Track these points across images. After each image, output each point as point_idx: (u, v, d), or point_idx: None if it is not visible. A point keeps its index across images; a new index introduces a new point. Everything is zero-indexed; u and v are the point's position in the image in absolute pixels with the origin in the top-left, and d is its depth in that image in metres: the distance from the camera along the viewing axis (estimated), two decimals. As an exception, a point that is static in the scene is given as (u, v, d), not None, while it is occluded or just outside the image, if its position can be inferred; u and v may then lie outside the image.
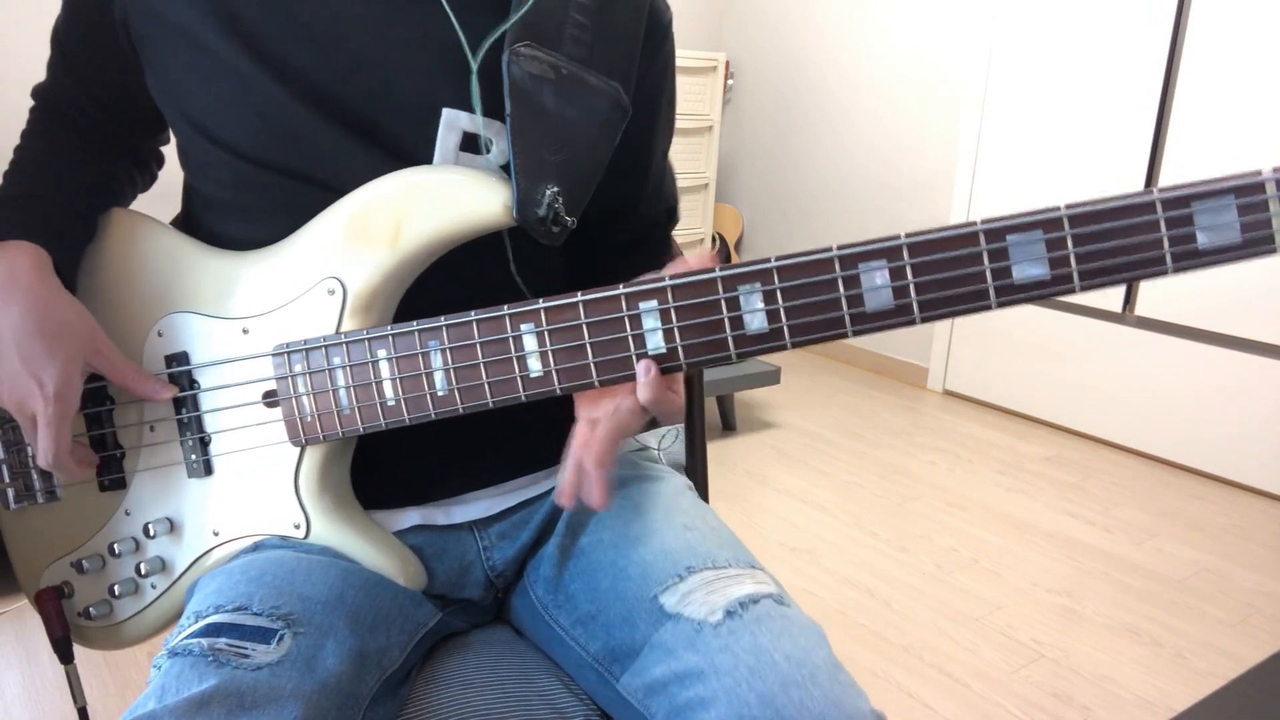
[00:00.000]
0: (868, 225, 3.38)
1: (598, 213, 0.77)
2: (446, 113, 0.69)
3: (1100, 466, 2.58)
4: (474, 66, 0.68)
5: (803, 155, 3.59)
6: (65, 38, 0.75)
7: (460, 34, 0.68)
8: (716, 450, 2.58)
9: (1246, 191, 0.51)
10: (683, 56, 3.21)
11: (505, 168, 0.71)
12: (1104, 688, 1.58)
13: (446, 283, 0.71)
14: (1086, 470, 2.55)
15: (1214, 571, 2.02)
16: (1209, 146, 2.40)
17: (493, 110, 0.70)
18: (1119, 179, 2.59)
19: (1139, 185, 2.55)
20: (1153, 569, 2.01)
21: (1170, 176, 2.49)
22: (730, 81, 3.75)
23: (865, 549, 2.05)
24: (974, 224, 0.54)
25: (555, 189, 0.67)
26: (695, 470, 0.97)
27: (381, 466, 0.74)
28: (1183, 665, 1.66)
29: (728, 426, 2.76)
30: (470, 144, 0.70)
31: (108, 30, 0.71)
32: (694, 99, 3.33)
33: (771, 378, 2.67)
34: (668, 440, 0.93)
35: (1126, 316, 2.66)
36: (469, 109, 0.69)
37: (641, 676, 0.65)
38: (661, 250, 0.86)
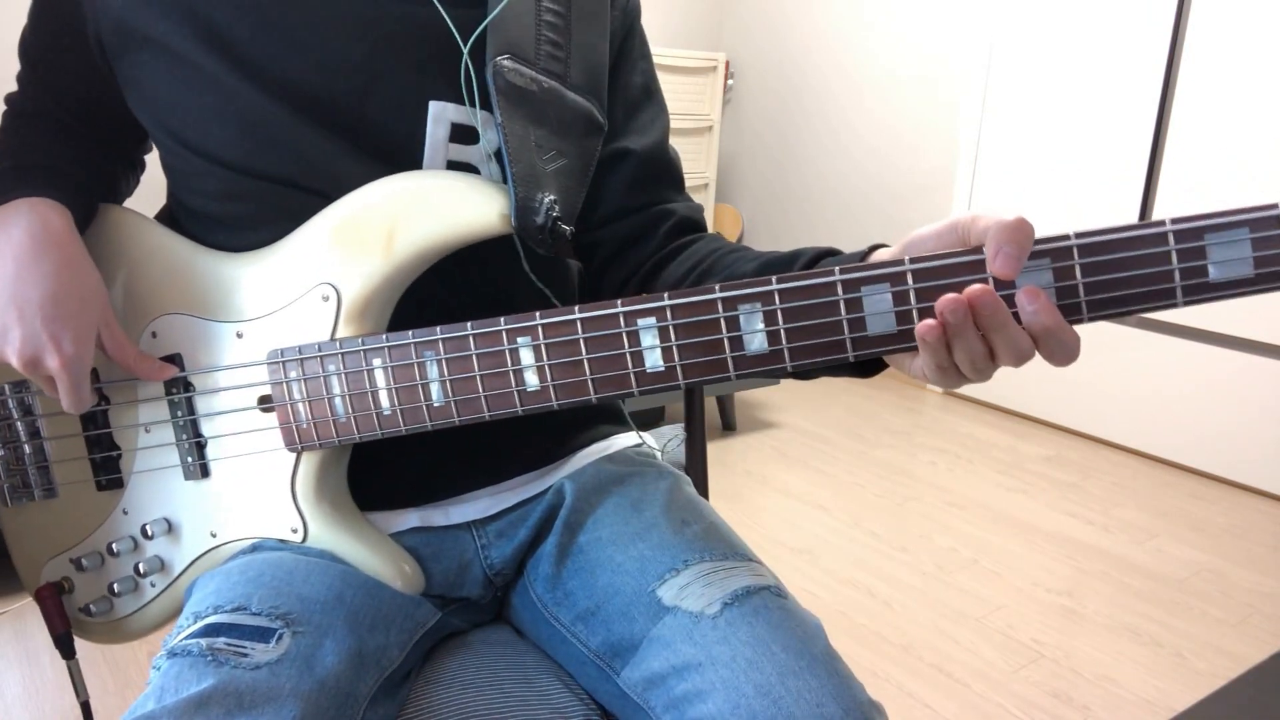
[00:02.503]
0: (868, 225, 3.38)
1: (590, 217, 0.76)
2: (434, 105, 0.69)
3: (1100, 466, 2.58)
4: (465, 51, 0.68)
5: (803, 155, 3.59)
6: (33, 50, 0.74)
7: (449, 21, 0.68)
8: (716, 450, 2.58)
9: (1261, 225, 0.49)
10: (683, 56, 3.21)
11: (496, 155, 0.71)
12: (1104, 688, 1.58)
13: (449, 291, 0.71)
14: (1086, 470, 2.55)
15: (1214, 571, 2.01)
16: (1209, 147, 2.40)
17: (479, 100, 0.70)
18: (1120, 179, 2.59)
19: (1139, 185, 2.55)
20: (1153, 569, 2.01)
21: (1171, 177, 2.49)
22: (730, 81, 3.75)
23: (865, 549, 2.05)
24: (980, 251, 0.52)
25: (552, 197, 0.67)
26: (695, 470, 0.97)
27: (380, 467, 0.74)
28: (1183, 665, 1.66)
29: (728, 426, 2.76)
30: (459, 136, 0.70)
31: (79, 46, 0.71)
32: (694, 99, 3.33)
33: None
34: (672, 445, 0.93)
35: (1126, 317, 2.65)
36: (455, 100, 0.69)
37: (641, 670, 0.65)
38: (714, 240, 0.78)
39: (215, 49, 0.66)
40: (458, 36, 0.68)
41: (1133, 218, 2.58)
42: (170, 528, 0.73)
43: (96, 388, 0.72)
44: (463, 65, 0.68)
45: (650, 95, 0.82)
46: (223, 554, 0.72)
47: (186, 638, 0.60)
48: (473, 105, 0.70)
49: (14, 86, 0.77)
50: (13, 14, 0.83)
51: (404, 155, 0.69)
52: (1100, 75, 2.60)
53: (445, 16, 0.68)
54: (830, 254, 0.64)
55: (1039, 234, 0.51)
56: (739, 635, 0.62)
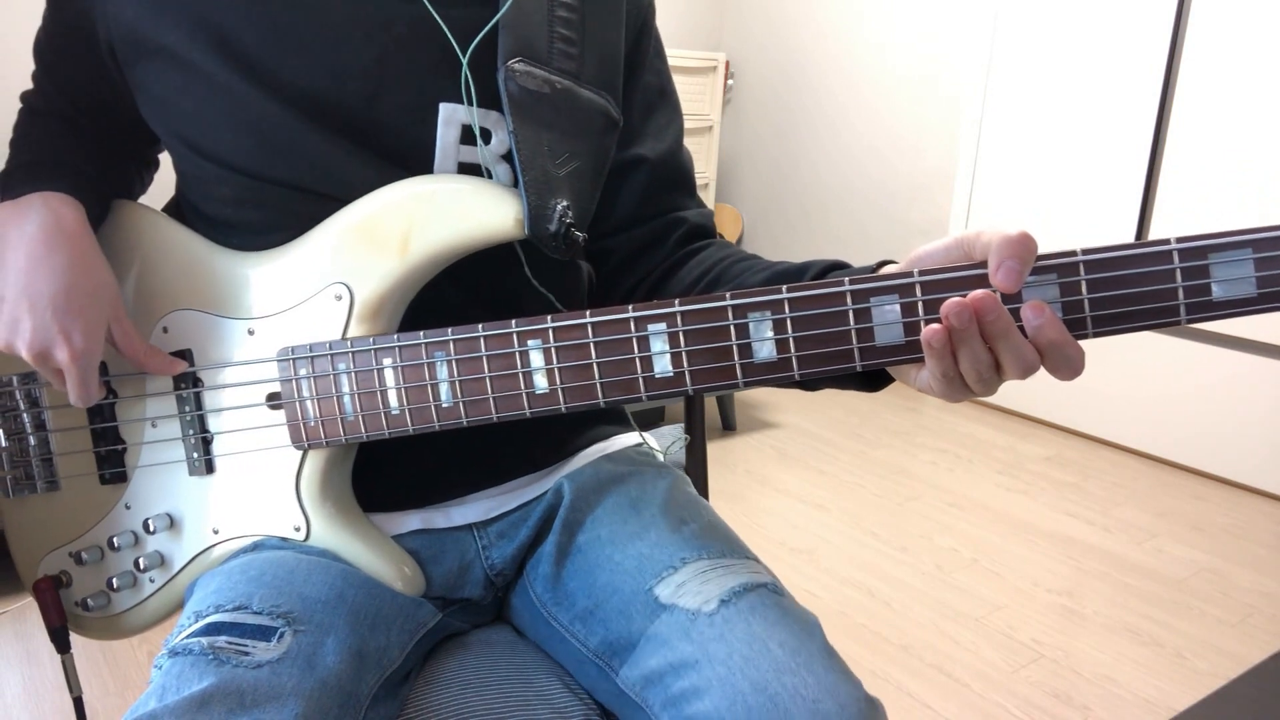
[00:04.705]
0: (868, 225, 3.38)
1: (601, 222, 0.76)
2: (444, 107, 0.69)
3: (1100, 466, 2.58)
4: (464, 60, 0.68)
5: (803, 155, 3.59)
6: (46, 52, 0.75)
7: (446, 30, 0.68)
8: (716, 450, 2.58)
9: (1265, 245, 0.50)
10: (683, 56, 3.21)
11: (507, 156, 0.71)
12: (1104, 688, 1.58)
13: (455, 292, 0.71)
14: (1086, 470, 2.55)
15: (1214, 571, 2.02)
16: (1209, 147, 2.40)
17: (488, 101, 0.70)
18: (1119, 179, 2.59)
19: (1139, 187, 2.55)
20: (1153, 569, 2.01)
21: (1170, 178, 2.49)
22: (730, 81, 3.75)
23: (865, 549, 2.05)
24: (984, 266, 0.53)
25: (565, 203, 0.67)
26: (695, 470, 0.98)
27: (382, 469, 0.74)
28: (1183, 665, 1.66)
29: (728, 426, 2.76)
30: (470, 137, 0.70)
31: (91, 51, 0.71)
32: (694, 99, 3.33)
33: (771, 378, 2.66)
34: (675, 447, 0.93)
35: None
36: (466, 102, 0.69)
37: (638, 668, 0.65)
38: (723, 248, 0.79)
39: (227, 57, 0.66)
40: (456, 46, 0.68)
41: (1132, 219, 2.58)
42: (172, 523, 0.73)
43: (104, 380, 0.72)
44: (463, 74, 0.68)
45: (665, 96, 0.82)
46: (224, 551, 0.72)
47: (188, 636, 0.60)
48: (480, 108, 0.70)
49: (27, 86, 0.77)
50: (24, 14, 0.83)
51: (416, 158, 0.69)
52: (1100, 76, 2.60)
53: (440, 23, 0.68)
54: (839, 267, 0.65)
55: (1042, 242, 0.52)
56: (735, 632, 0.62)
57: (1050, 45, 2.72)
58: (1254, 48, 2.30)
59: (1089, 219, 2.68)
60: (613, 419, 0.87)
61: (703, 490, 0.98)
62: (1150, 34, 2.48)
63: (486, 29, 0.68)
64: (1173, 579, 1.97)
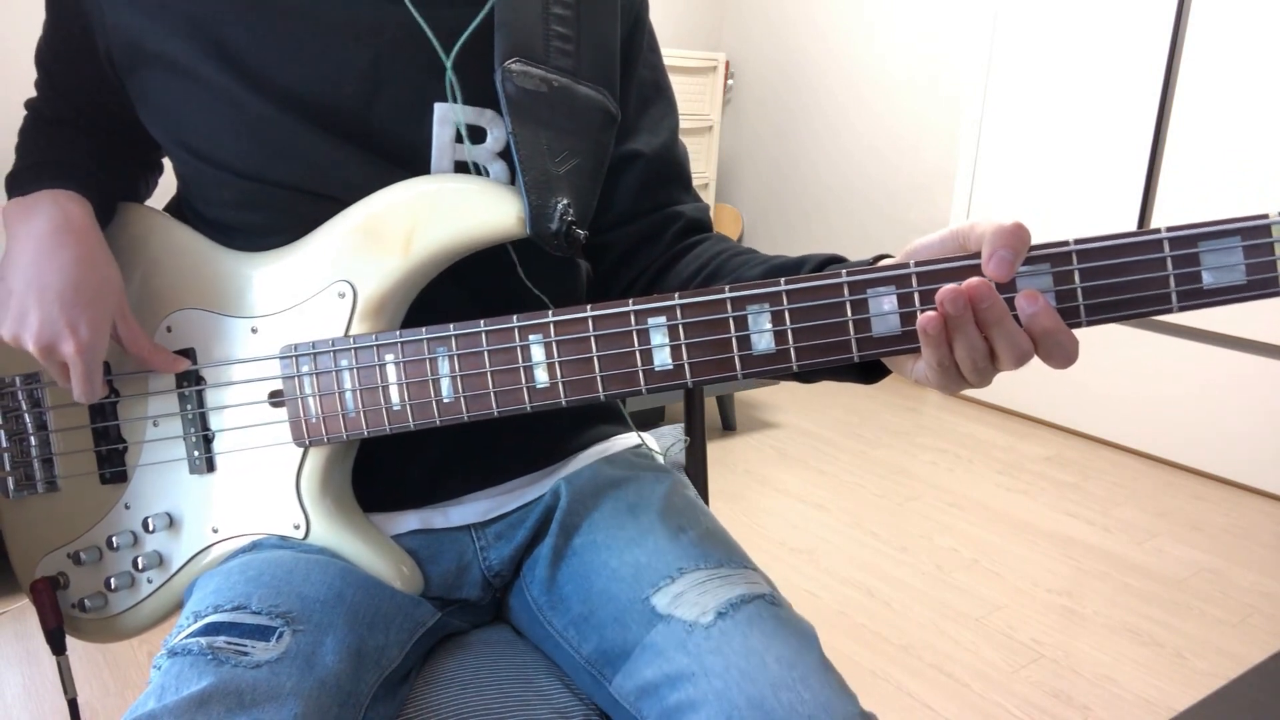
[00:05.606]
0: (868, 225, 3.38)
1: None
2: (438, 107, 0.69)
3: (1100, 466, 2.58)
4: (448, 64, 0.68)
5: (803, 155, 3.59)
6: (48, 60, 0.75)
7: (429, 32, 0.68)
8: (716, 450, 2.58)
9: (1253, 234, 0.51)
10: (683, 56, 3.21)
11: (503, 153, 0.71)
12: (1104, 688, 1.58)
13: (456, 292, 0.71)
14: (1086, 470, 2.55)
15: (1214, 571, 2.02)
16: (1209, 146, 2.40)
17: (484, 99, 0.70)
18: (1119, 178, 2.59)
19: (1139, 187, 2.55)
20: (1153, 569, 2.01)
21: (1170, 178, 2.49)
22: (730, 81, 3.75)
23: (865, 549, 2.05)
24: (979, 257, 0.54)
25: (566, 201, 0.67)
26: (695, 470, 0.97)
27: (382, 469, 0.74)
28: (1183, 665, 1.66)
29: (728, 426, 2.76)
30: (464, 136, 0.70)
31: (91, 59, 0.71)
32: (694, 99, 3.33)
33: (771, 378, 2.66)
34: (675, 449, 0.93)
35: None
36: (459, 102, 0.69)
37: (633, 678, 0.65)
38: (719, 242, 0.79)
39: (223, 62, 0.66)
40: (439, 48, 0.68)
41: (1133, 217, 2.58)
42: (171, 522, 0.73)
43: (107, 379, 0.72)
44: (448, 77, 0.68)
45: (660, 90, 0.82)
46: (223, 550, 0.72)
47: (187, 636, 0.60)
48: (476, 106, 0.70)
49: (29, 91, 0.78)
50: (24, 14, 0.83)
51: (412, 158, 0.69)
52: (1100, 76, 2.60)
53: (424, 26, 0.68)
54: (836, 260, 0.65)
55: (1041, 235, 0.53)
56: (732, 646, 0.62)
57: (1050, 45, 2.72)
58: (1254, 47, 2.30)
59: (1089, 219, 2.68)
60: (612, 419, 0.87)
61: (703, 491, 0.98)
62: (1150, 33, 2.48)
63: (469, 30, 0.68)
64: (1173, 579, 1.97)
